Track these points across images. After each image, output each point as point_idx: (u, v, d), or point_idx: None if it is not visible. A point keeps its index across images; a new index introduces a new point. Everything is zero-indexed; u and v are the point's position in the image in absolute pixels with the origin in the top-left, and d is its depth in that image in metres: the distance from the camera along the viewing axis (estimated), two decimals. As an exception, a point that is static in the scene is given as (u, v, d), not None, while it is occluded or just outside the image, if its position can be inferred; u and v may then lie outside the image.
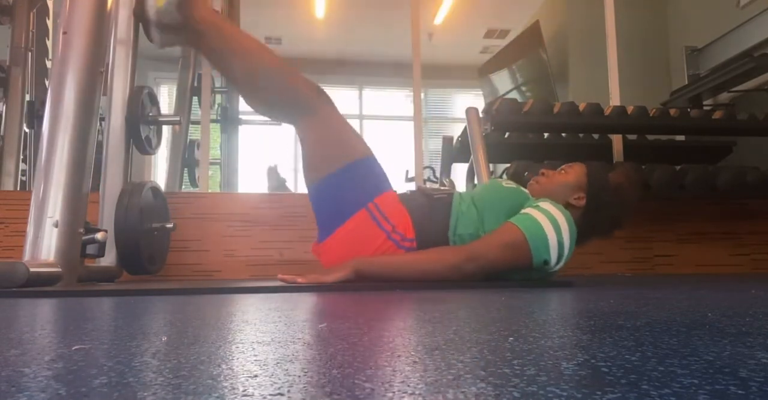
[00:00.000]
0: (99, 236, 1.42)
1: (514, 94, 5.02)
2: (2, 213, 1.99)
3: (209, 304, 0.79)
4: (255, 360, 0.33)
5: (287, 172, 2.41)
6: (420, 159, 2.43)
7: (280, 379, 0.28)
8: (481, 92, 5.87)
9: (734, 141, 2.59)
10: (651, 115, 2.29)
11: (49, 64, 2.96)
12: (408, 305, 0.78)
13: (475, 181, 2.10)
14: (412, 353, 0.35)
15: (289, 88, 1.35)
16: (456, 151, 2.59)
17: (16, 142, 2.75)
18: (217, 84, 3.37)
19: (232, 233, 2.10)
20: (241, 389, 0.25)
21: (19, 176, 2.78)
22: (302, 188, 1.37)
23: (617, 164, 2.27)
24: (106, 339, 0.43)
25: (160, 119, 1.84)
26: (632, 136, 2.53)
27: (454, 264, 1.25)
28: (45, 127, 1.35)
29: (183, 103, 2.86)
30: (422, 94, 2.62)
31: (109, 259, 1.62)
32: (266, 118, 1.84)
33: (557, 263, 1.27)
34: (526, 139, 2.52)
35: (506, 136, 2.49)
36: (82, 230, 1.37)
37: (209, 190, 2.78)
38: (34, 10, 2.87)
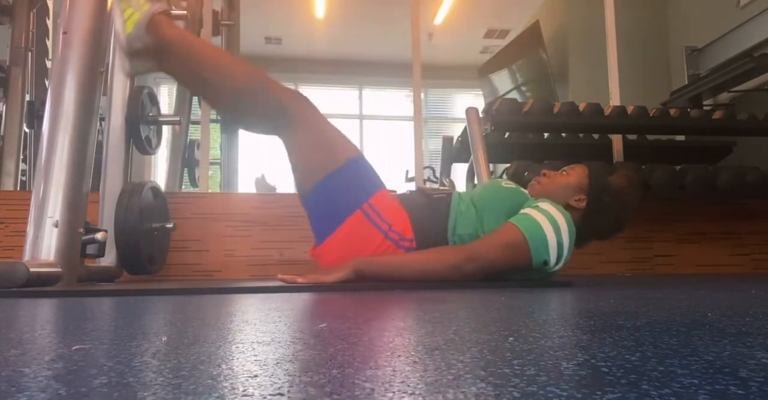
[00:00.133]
0: (99, 236, 1.42)
1: (514, 94, 5.02)
2: (2, 213, 1.99)
3: (209, 304, 0.79)
4: (255, 360, 0.33)
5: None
6: (420, 159, 2.43)
7: (280, 379, 0.28)
8: (481, 92, 5.88)
9: (734, 141, 2.59)
10: (651, 115, 2.29)
11: (49, 64, 2.96)
12: (408, 305, 0.77)
13: (475, 182, 2.10)
14: (412, 353, 0.35)
15: (270, 97, 1.31)
16: (456, 151, 2.59)
17: (16, 142, 2.75)
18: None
19: (232, 233, 2.10)
20: (241, 389, 0.25)
21: (19, 176, 2.79)
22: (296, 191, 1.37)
23: (617, 164, 2.27)
24: (106, 339, 0.43)
25: (160, 119, 1.84)
26: (632, 136, 2.53)
27: (453, 264, 1.25)
28: (45, 127, 1.35)
29: (183, 103, 2.85)
30: (422, 94, 2.62)
31: (109, 259, 1.62)
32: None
33: (557, 263, 1.27)
34: (526, 139, 2.52)
35: (506, 136, 2.49)
36: (82, 230, 1.37)
37: (209, 191, 2.77)
38: (34, 10, 2.88)
